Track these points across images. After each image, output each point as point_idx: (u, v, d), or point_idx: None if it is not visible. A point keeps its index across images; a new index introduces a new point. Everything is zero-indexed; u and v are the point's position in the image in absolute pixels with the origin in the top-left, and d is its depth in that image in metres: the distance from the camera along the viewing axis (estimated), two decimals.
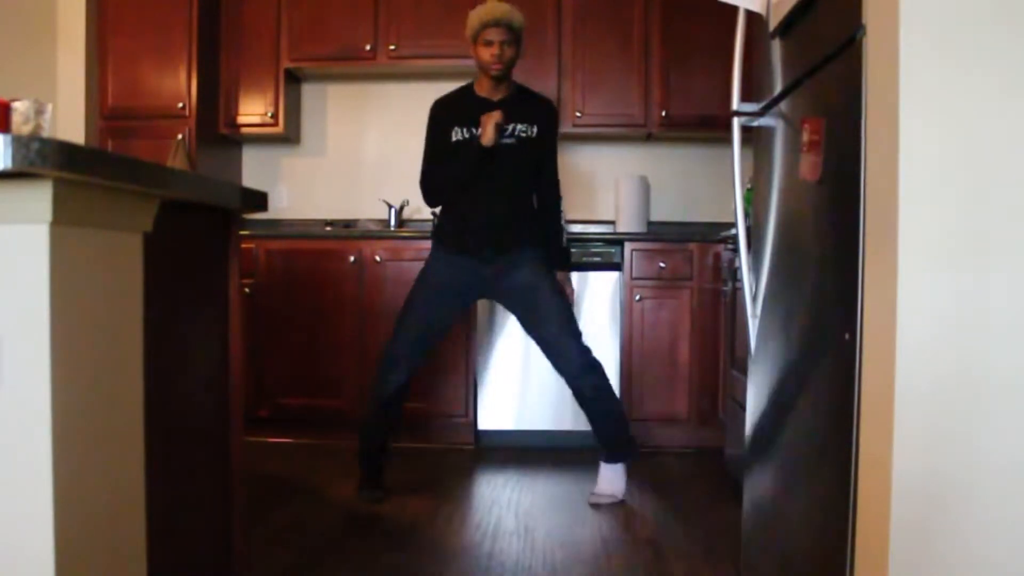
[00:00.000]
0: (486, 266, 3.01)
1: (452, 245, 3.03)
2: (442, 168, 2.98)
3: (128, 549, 1.40)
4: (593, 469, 3.28)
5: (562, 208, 3.16)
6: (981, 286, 1.19)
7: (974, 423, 1.20)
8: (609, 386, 3.08)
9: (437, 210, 3.25)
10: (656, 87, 4.21)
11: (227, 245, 1.89)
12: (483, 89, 3.00)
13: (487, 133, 2.85)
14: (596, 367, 3.05)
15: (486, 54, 2.90)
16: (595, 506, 3.04)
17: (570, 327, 3.03)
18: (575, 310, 3.87)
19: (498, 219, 2.99)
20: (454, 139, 2.96)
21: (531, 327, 3.06)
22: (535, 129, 2.99)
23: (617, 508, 3.04)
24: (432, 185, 3.01)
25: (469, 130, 2.94)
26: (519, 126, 2.97)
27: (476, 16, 2.90)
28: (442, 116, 3.01)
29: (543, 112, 3.04)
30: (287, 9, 4.31)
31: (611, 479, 3.11)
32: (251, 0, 4.33)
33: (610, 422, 3.08)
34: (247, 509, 2.04)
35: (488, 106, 2.95)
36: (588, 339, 3.86)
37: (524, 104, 3.01)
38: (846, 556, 1.38)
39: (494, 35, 2.88)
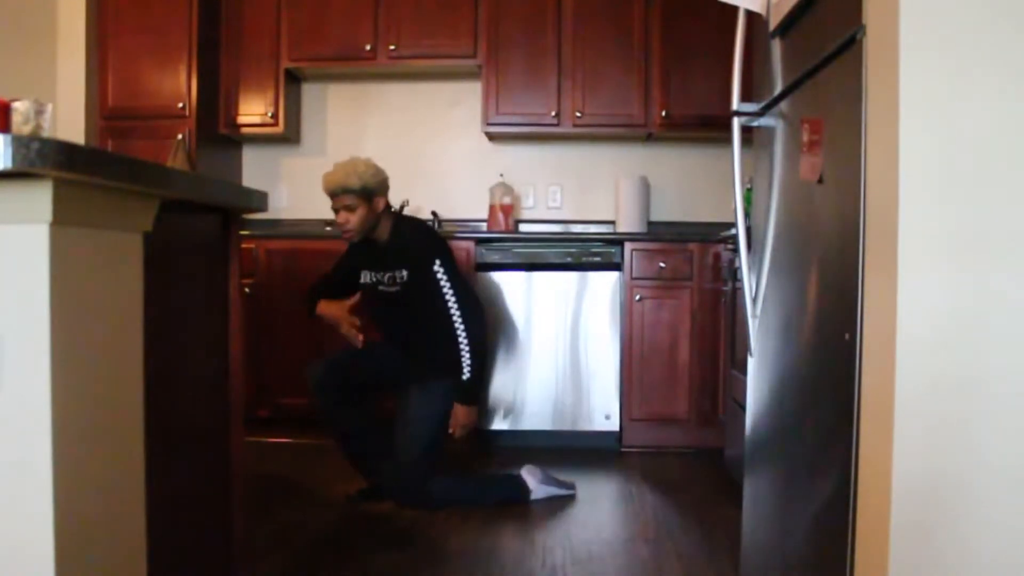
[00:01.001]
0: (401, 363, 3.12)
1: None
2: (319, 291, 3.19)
3: (128, 549, 1.40)
4: (591, 470, 3.30)
5: (468, 338, 2.97)
6: (981, 286, 1.19)
7: (974, 423, 1.20)
8: (429, 504, 3.00)
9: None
10: (656, 87, 4.21)
11: (227, 245, 1.89)
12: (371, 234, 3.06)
13: (330, 316, 3.12)
14: (412, 500, 3.00)
15: (338, 221, 3.01)
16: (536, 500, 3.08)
17: (416, 458, 2.99)
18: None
19: (399, 354, 3.12)
20: (362, 280, 3.10)
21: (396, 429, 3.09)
22: (405, 274, 3.00)
23: (618, 508, 3.04)
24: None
25: (371, 274, 3.09)
26: (395, 274, 3.02)
27: (323, 186, 3.00)
28: (354, 256, 3.15)
29: (412, 256, 3.00)
30: (287, 9, 4.31)
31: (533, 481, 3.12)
32: (251, 0, 4.33)
33: (477, 498, 3.08)
34: (247, 509, 2.03)
35: (372, 251, 3.06)
36: (588, 339, 3.89)
37: (397, 250, 3.02)
38: (846, 556, 1.38)
39: (337, 204, 2.96)
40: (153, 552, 1.46)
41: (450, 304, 2.97)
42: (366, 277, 3.08)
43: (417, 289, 2.99)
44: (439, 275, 2.97)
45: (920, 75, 1.20)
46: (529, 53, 4.23)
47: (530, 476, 3.11)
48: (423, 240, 3.07)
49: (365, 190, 2.94)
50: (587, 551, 2.57)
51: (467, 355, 2.97)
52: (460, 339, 2.97)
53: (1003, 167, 1.19)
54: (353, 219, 2.95)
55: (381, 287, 3.05)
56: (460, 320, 2.97)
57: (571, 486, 3.17)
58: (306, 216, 4.62)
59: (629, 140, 4.51)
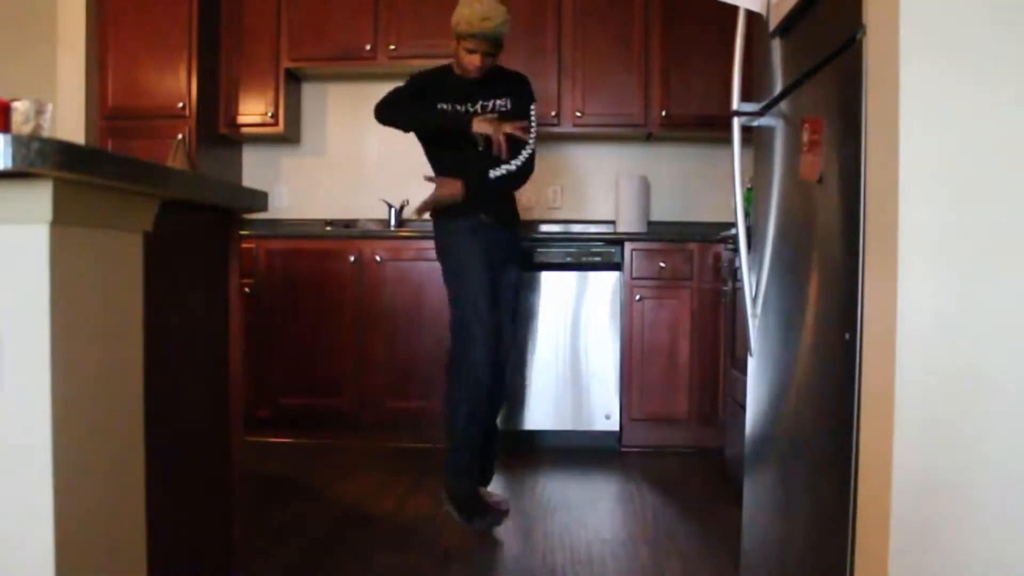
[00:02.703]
0: (497, 231, 3.06)
1: (462, 212, 3.03)
2: (421, 111, 3.03)
3: (128, 548, 1.40)
4: (591, 470, 3.29)
5: (524, 166, 3.09)
6: (981, 286, 1.19)
7: (974, 423, 1.20)
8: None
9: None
10: (656, 87, 4.21)
11: (227, 245, 1.89)
12: (463, 73, 3.06)
13: (484, 128, 2.93)
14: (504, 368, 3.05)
15: (467, 60, 2.95)
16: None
17: (515, 321, 3.13)
18: (578, 308, 3.88)
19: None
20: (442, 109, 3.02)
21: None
22: (509, 102, 3.06)
23: (617, 508, 3.04)
24: (394, 113, 3.07)
25: (453, 105, 3.01)
26: (497, 102, 3.05)
27: (467, 20, 2.89)
28: (424, 86, 3.06)
29: (516, 86, 3.11)
30: (287, 9, 4.31)
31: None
32: (251, 0, 4.33)
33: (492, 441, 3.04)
34: (247, 509, 2.04)
35: (469, 84, 3.01)
36: (588, 339, 3.89)
37: (500, 81, 3.09)
38: (846, 556, 1.38)
39: (479, 46, 2.91)
40: (153, 551, 1.46)
41: (530, 143, 3.07)
42: (446, 108, 3.00)
43: (516, 118, 3.01)
44: (532, 117, 3.08)
45: (920, 75, 1.20)
46: (529, 53, 4.23)
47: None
48: (526, 80, 3.15)
49: (502, 44, 2.99)
50: (587, 551, 2.57)
51: (515, 166, 3.05)
52: (523, 157, 3.06)
53: (1003, 167, 1.19)
54: (487, 63, 2.97)
55: (469, 113, 3.01)
56: (528, 156, 3.07)
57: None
58: (306, 216, 4.63)
59: (629, 140, 4.51)
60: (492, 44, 2.92)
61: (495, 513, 2.80)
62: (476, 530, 2.73)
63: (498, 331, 2.93)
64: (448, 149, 3.06)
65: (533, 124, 3.08)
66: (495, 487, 3.12)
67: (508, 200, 3.16)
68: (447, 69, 3.09)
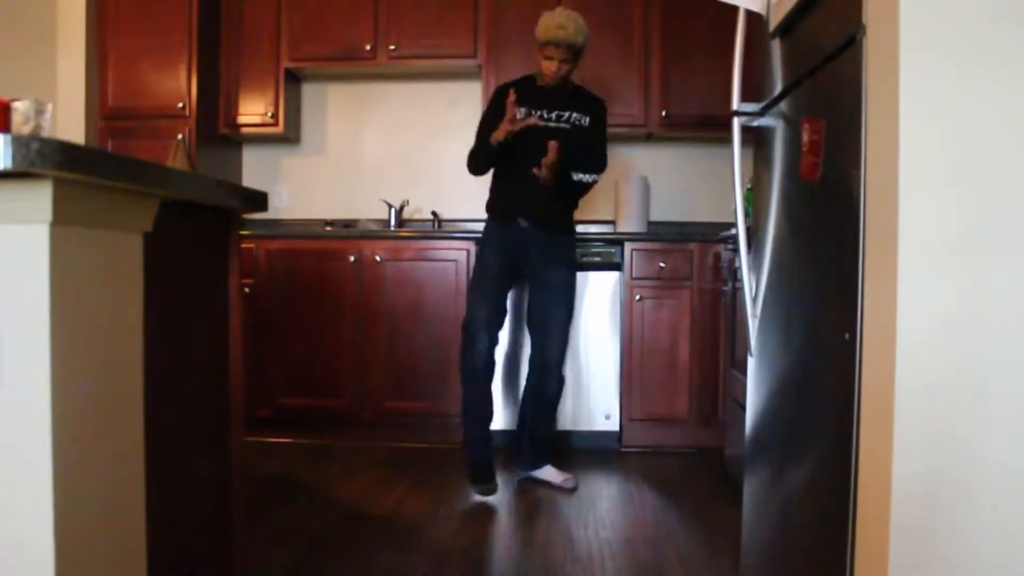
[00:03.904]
0: (534, 233, 3.23)
1: (501, 216, 3.28)
2: (478, 148, 3.24)
3: (128, 549, 1.40)
4: (591, 470, 3.29)
5: (594, 178, 3.24)
6: (981, 286, 1.19)
7: (974, 423, 1.20)
8: (556, 400, 3.40)
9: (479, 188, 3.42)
10: (656, 87, 4.21)
11: (227, 245, 1.89)
12: (542, 80, 3.21)
13: (504, 128, 3.06)
14: (559, 377, 3.34)
15: (544, 66, 3.13)
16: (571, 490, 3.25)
17: (562, 336, 3.30)
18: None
19: (544, 195, 3.18)
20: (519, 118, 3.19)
21: (532, 321, 3.34)
22: (587, 119, 3.23)
23: (617, 508, 3.04)
24: (473, 162, 3.27)
25: (529, 111, 3.16)
26: (574, 114, 3.21)
27: (544, 28, 3.09)
28: (501, 107, 3.16)
29: (595, 108, 3.28)
30: (287, 9, 4.31)
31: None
32: (251, 0, 4.33)
33: (546, 425, 3.40)
34: (247, 509, 2.04)
35: (549, 94, 3.19)
36: (588, 339, 3.89)
37: (579, 98, 3.26)
38: (846, 556, 1.38)
39: (554, 53, 3.08)
40: (153, 552, 1.46)
41: (605, 152, 3.27)
42: (521, 114, 3.15)
43: (588, 135, 3.18)
44: (595, 135, 3.25)
45: (920, 75, 1.20)
46: (529, 53, 4.23)
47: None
48: (605, 106, 3.34)
49: (582, 51, 3.14)
50: (587, 551, 2.57)
51: (589, 179, 3.21)
52: (596, 175, 3.23)
53: (1003, 167, 1.19)
54: (563, 69, 3.12)
55: (543, 120, 3.15)
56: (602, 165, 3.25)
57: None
58: (306, 216, 4.63)
59: (629, 140, 4.50)
60: (567, 52, 3.09)
61: (491, 484, 3.11)
62: (475, 493, 3.13)
63: (492, 330, 3.21)
64: (512, 165, 3.21)
65: (599, 142, 3.27)
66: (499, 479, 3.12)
67: (556, 206, 3.27)
68: (530, 78, 3.26)
